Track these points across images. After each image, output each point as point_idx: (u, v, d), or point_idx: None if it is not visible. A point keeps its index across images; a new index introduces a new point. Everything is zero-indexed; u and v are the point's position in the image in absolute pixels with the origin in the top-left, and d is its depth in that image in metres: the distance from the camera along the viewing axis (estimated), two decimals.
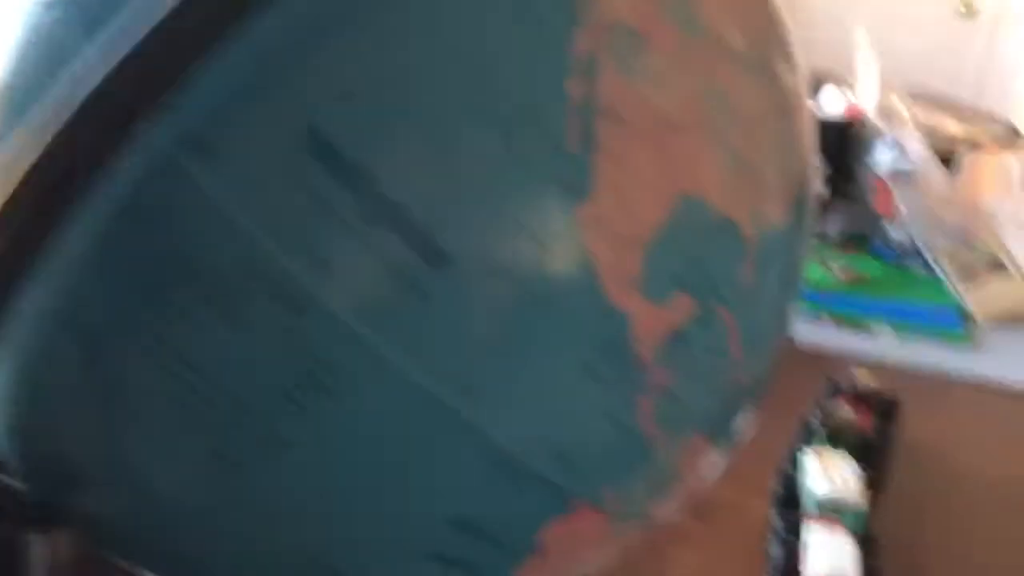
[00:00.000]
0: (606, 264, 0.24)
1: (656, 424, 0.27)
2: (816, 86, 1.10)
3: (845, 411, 0.70)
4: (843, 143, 1.02)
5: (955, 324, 1.03)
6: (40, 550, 0.49)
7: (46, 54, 0.25)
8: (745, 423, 0.31)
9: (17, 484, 0.31)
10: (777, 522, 0.59)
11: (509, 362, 0.24)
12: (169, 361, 0.23)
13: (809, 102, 0.31)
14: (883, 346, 0.98)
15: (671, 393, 0.26)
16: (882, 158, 1.00)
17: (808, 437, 0.69)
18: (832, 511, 0.58)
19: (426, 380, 0.23)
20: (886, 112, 1.02)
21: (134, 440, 0.24)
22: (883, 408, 0.76)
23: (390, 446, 0.24)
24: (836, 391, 0.76)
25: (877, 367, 0.87)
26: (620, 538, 0.29)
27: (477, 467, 0.25)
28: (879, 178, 1.00)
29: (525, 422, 0.25)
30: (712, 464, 0.31)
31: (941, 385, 0.91)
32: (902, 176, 0.99)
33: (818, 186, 0.32)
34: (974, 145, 1.09)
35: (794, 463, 0.66)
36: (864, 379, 0.76)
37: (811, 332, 1.03)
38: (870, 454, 0.68)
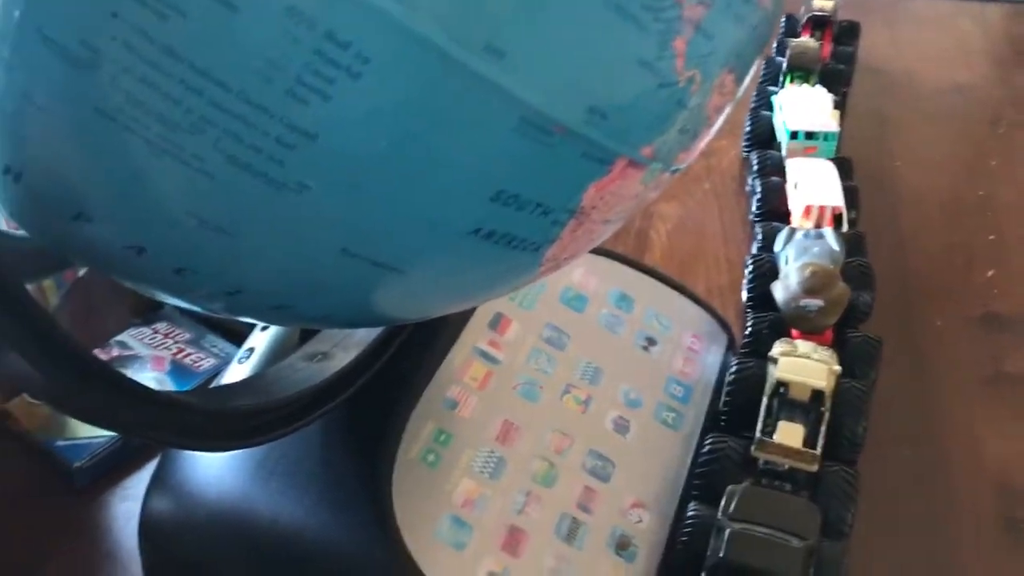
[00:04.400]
0: None
1: (690, 66, 0.25)
2: None
3: (807, 41, 0.68)
4: None
5: None
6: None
7: None
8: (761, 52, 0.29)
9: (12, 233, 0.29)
10: (755, 161, 0.60)
11: (535, 14, 0.21)
12: (159, 59, 0.20)
13: None
14: None
15: (703, 29, 0.24)
16: None
17: (774, 73, 0.68)
18: (809, 140, 0.58)
19: (448, 44, 0.21)
20: None
21: (138, 159, 0.22)
22: (843, 32, 0.75)
23: (417, 124, 0.22)
24: (796, 22, 0.74)
25: None
26: (649, 191, 0.29)
27: (512, 134, 0.23)
28: None
29: (558, 80, 0.23)
30: (730, 102, 0.29)
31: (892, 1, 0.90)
32: None
33: None
34: None
35: (762, 100, 0.66)
36: (821, 5, 0.73)
37: None
38: (834, 79, 0.68)
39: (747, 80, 0.30)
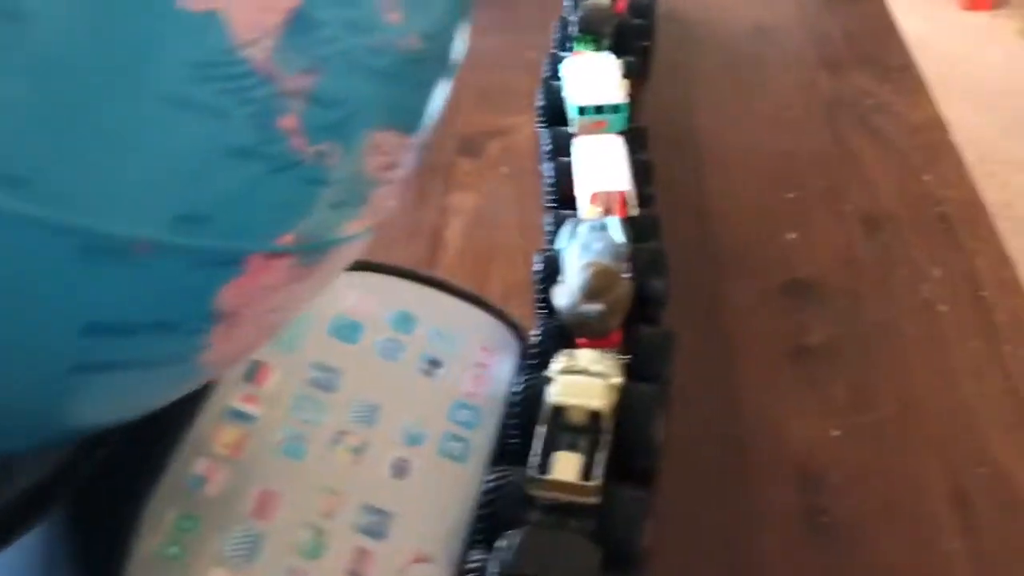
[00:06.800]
0: None
1: (316, 140, 0.21)
2: None
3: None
4: None
5: None
6: None
7: None
8: (441, 91, 0.26)
9: None
10: (544, 140, 0.56)
11: (61, 131, 0.17)
12: None
13: None
14: None
15: (317, 97, 0.20)
16: None
17: (565, 38, 0.65)
18: (599, 114, 0.55)
19: None
20: None
21: None
22: None
23: None
24: None
25: None
26: (324, 265, 0.25)
27: (77, 266, 0.19)
28: None
29: (116, 196, 0.18)
30: (409, 152, 0.26)
31: None
32: None
33: None
34: None
35: (553, 70, 0.62)
36: None
37: None
38: (632, 35, 0.65)
39: (429, 122, 0.26)
